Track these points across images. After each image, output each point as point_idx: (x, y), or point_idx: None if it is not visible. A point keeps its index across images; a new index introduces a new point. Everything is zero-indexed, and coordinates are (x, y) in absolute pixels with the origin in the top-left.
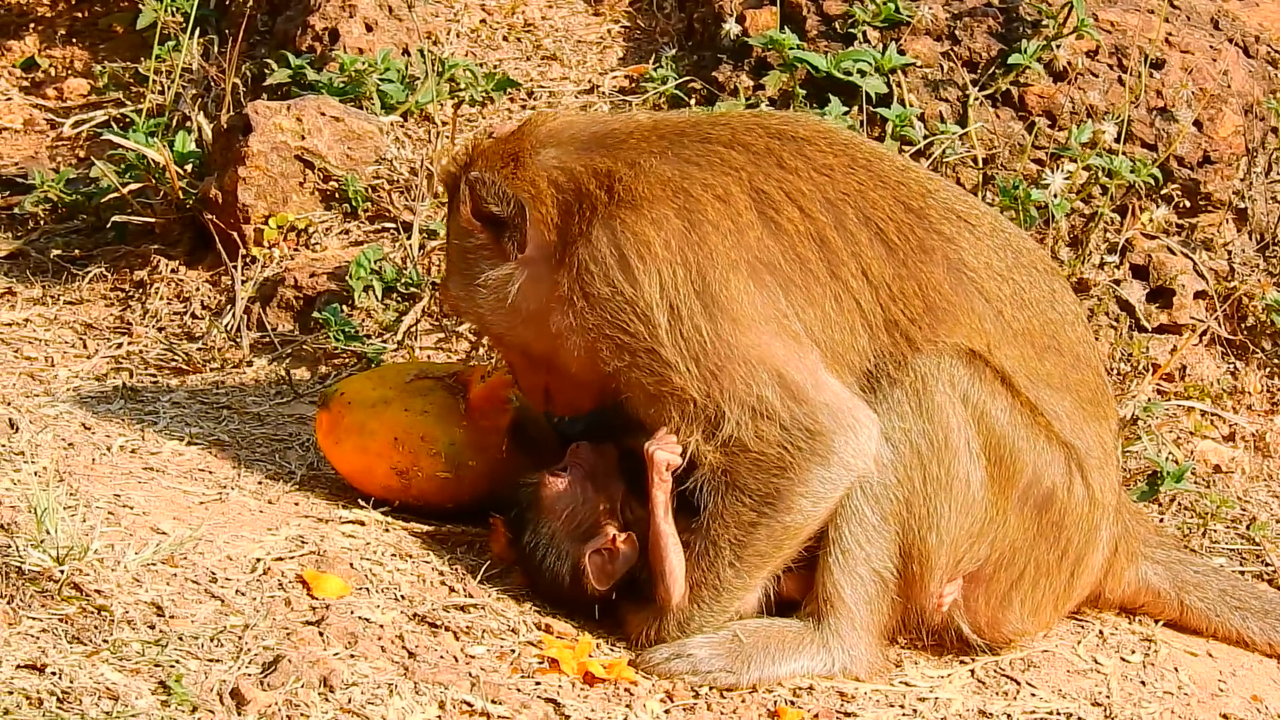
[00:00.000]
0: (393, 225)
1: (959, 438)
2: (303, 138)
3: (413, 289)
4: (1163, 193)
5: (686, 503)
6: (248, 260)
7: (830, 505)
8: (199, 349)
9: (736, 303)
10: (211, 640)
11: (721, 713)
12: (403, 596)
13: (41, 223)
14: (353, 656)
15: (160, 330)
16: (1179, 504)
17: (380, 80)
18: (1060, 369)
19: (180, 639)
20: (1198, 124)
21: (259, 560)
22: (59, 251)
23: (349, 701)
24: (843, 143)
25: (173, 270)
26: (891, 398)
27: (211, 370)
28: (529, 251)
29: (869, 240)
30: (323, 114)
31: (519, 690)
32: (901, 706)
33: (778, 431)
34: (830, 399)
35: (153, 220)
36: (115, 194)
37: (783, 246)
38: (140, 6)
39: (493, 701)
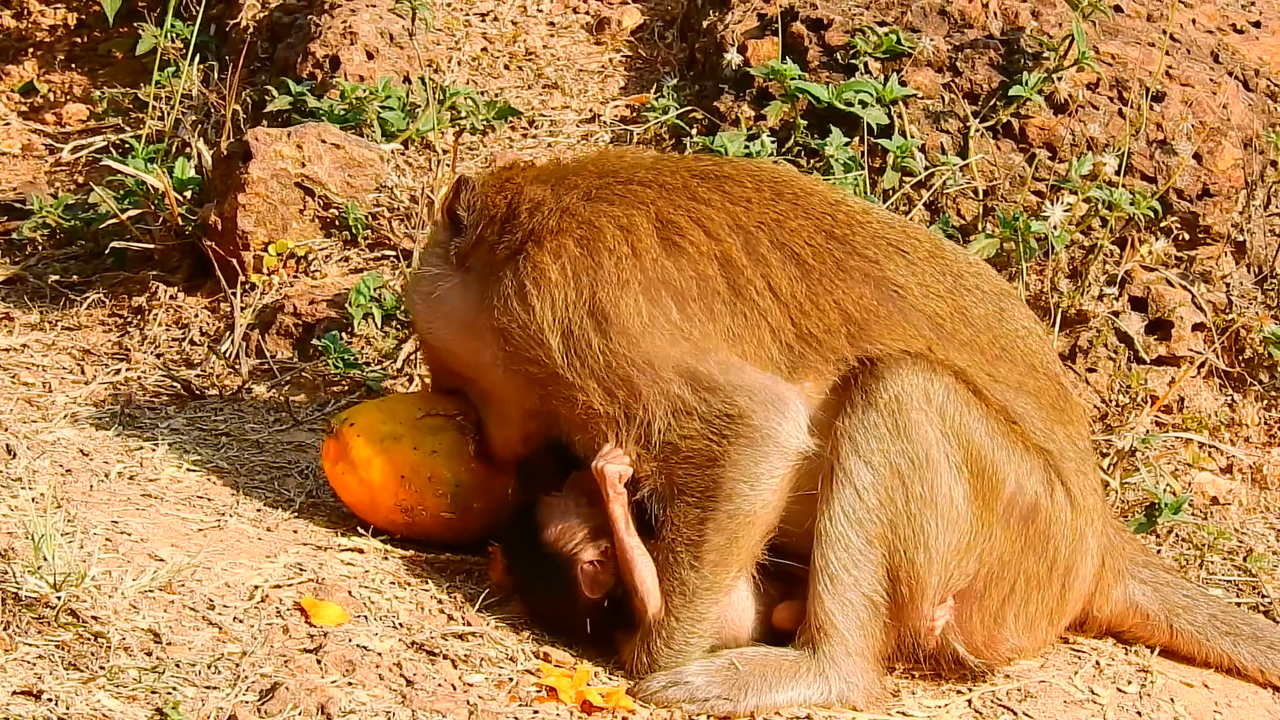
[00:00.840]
0: (393, 253)
1: (938, 453)
2: (303, 165)
3: (412, 317)
4: (1162, 225)
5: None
6: (247, 287)
7: (773, 486)
8: (197, 376)
9: (627, 317)
10: (209, 667)
11: None
12: (401, 624)
13: (40, 248)
14: (350, 684)
15: (159, 357)
16: (1176, 535)
17: (381, 108)
18: (1015, 374)
19: (177, 666)
20: (1197, 157)
21: (257, 588)
22: (57, 277)
23: None
24: (771, 180)
25: (171, 297)
26: (867, 420)
27: (210, 397)
28: (467, 264)
29: (780, 262)
30: (323, 141)
31: (516, 719)
32: None
33: (699, 424)
34: (744, 381)
35: (152, 246)
36: (114, 220)
37: (679, 266)
38: (140, 33)
39: None
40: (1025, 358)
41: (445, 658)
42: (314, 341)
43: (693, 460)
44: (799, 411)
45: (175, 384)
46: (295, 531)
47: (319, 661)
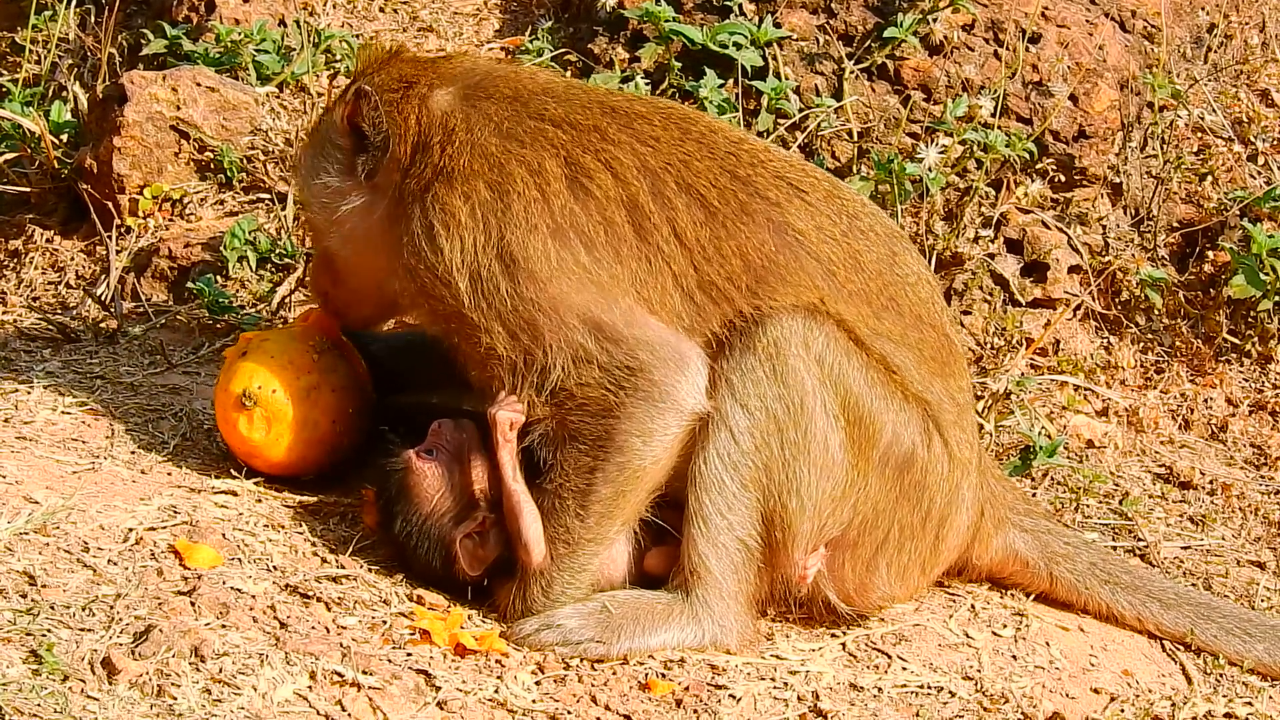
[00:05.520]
0: (267, 196)
1: (815, 400)
2: (178, 108)
3: (287, 260)
4: (1038, 167)
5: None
6: (123, 230)
7: (666, 444)
8: (73, 319)
9: (535, 261)
10: (83, 610)
11: (593, 684)
12: (275, 567)
13: None
14: (224, 627)
15: (34, 300)
16: (1052, 479)
17: (256, 51)
18: (900, 328)
19: (52, 608)
20: (1073, 98)
21: (131, 530)
22: None
23: (220, 671)
24: (679, 119)
25: (48, 240)
26: (745, 364)
27: (85, 340)
28: (375, 181)
29: (686, 205)
30: (198, 84)
31: (390, 661)
32: (773, 679)
33: (598, 373)
34: (648, 335)
35: (28, 190)
36: None
37: (588, 211)
38: None
39: (364, 672)
40: (913, 308)
41: (319, 600)
42: (189, 285)
43: (588, 408)
44: (699, 372)
45: (51, 327)
46: (169, 474)
47: (193, 604)
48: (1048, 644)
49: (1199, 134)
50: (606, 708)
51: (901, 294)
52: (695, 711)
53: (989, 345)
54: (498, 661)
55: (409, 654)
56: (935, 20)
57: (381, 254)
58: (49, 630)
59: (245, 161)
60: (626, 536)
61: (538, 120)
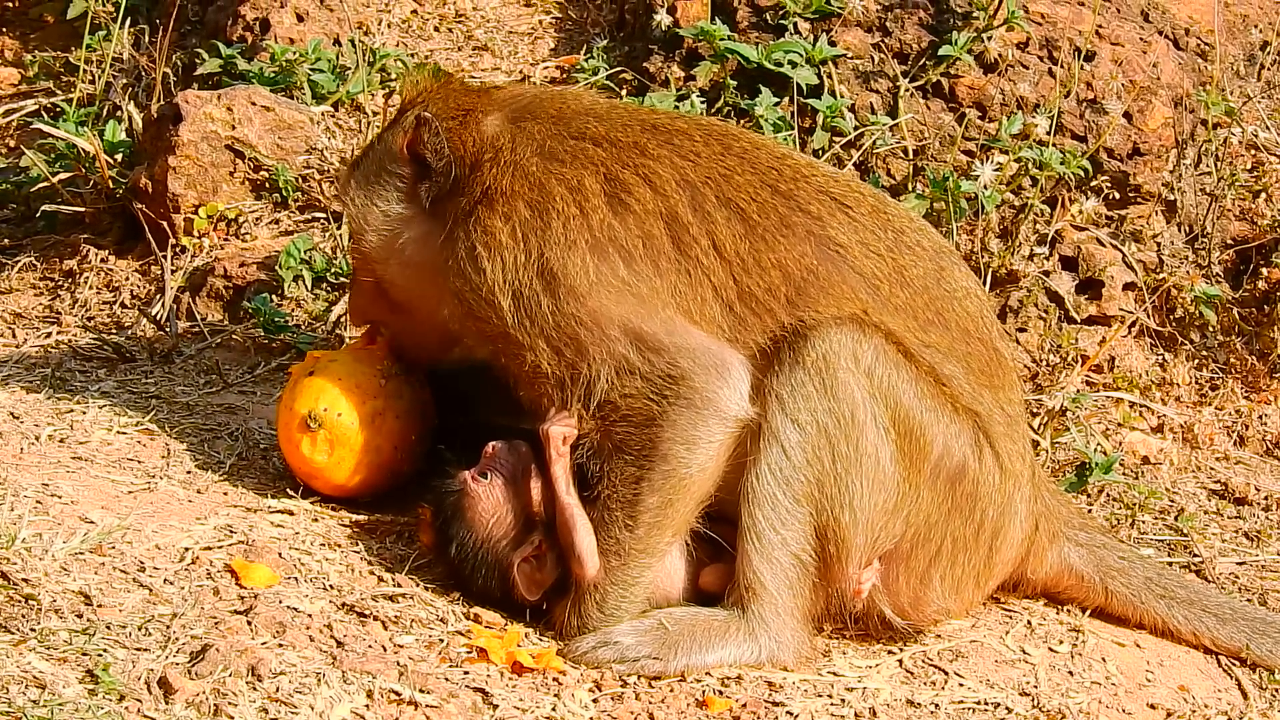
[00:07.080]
0: (323, 215)
1: (865, 413)
2: (233, 127)
3: (343, 279)
4: (1092, 184)
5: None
6: (177, 250)
7: (710, 451)
8: (128, 338)
9: (574, 276)
10: (139, 629)
11: (650, 702)
12: (331, 586)
13: None
14: (281, 646)
15: (89, 320)
16: (1107, 495)
17: (311, 70)
18: (947, 341)
19: (108, 628)
20: (1128, 116)
21: (187, 549)
22: None
23: (277, 690)
24: (720, 134)
25: (102, 260)
26: (794, 379)
27: (140, 360)
28: (438, 210)
29: (725, 218)
30: (253, 103)
31: (447, 679)
32: (830, 696)
33: (641, 383)
34: (689, 343)
35: (83, 210)
36: (45, 183)
37: (626, 225)
38: None
39: (421, 691)
40: (960, 322)
41: (376, 619)
42: (244, 304)
43: (631, 419)
44: (741, 378)
45: (106, 347)
46: (225, 494)
47: (249, 623)
48: (1104, 659)
49: (1253, 151)
50: None
51: (948, 308)
52: None
53: (1044, 362)
54: (555, 679)
55: (466, 672)
56: (990, 38)
57: (437, 280)
58: (105, 650)
59: (300, 181)
60: (680, 552)
61: (578, 139)
